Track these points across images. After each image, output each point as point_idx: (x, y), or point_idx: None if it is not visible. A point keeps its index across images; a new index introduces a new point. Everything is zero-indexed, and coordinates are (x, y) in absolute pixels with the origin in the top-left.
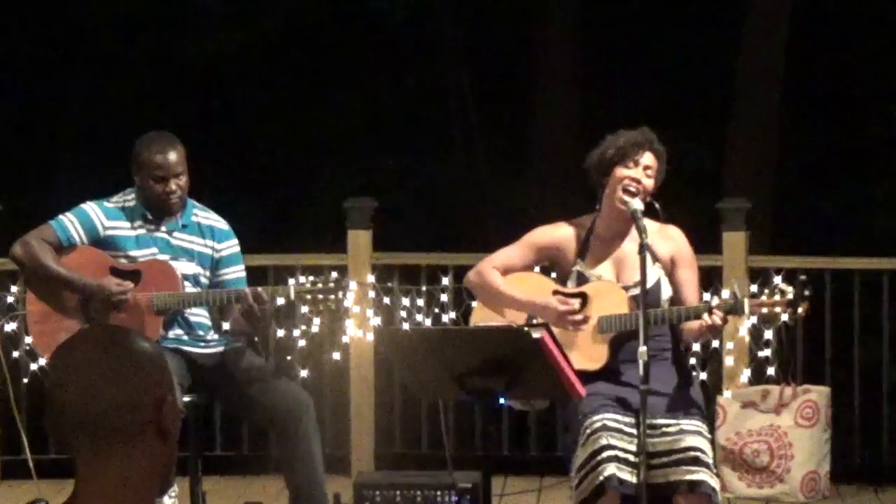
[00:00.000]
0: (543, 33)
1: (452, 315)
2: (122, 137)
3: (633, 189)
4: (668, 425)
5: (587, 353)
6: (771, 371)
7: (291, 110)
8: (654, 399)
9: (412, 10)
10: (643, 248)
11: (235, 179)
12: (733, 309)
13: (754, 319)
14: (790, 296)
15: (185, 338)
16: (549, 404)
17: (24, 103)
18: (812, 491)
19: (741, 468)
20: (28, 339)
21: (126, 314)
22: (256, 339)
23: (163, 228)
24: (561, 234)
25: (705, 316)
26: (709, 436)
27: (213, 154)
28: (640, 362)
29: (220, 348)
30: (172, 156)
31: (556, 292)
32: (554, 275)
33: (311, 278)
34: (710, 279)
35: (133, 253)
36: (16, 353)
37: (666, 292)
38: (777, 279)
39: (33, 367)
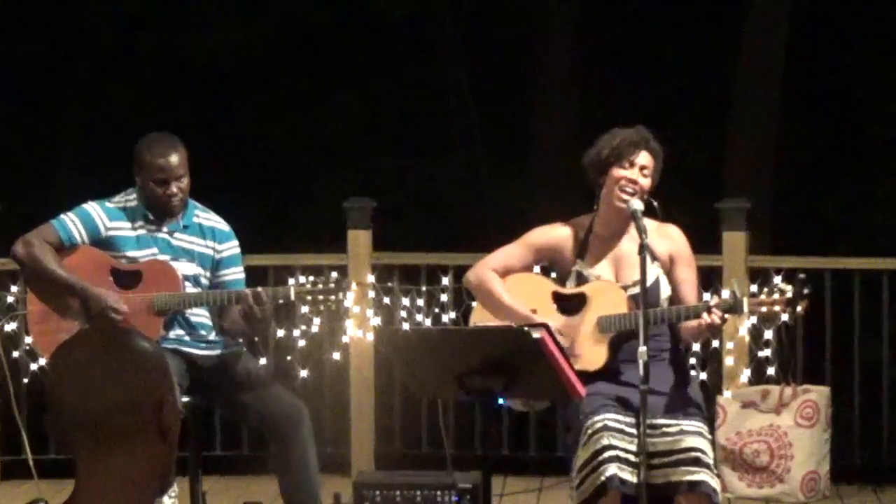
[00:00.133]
0: (543, 33)
1: (452, 315)
2: (121, 137)
3: (629, 190)
4: (668, 425)
5: (587, 354)
6: (771, 371)
7: (291, 110)
8: (654, 399)
9: (411, 10)
10: (643, 247)
11: (234, 179)
12: (732, 308)
13: (754, 319)
14: (789, 294)
15: (186, 338)
16: (549, 404)
17: (24, 103)
18: (812, 491)
19: (741, 468)
20: (28, 339)
21: (126, 314)
22: (256, 339)
23: (164, 229)
24: (559, 234)
25: (704, 315)
26: (709, 436)
27: (212, 153)
28: (640, 362)
29: (221, 350)
30: (174, 158)
31: (555, 293)
32: (554, 275)
33: (311, 278)
34: (709, 279)
35: (134, 253)
36: (16, 353)
37: (665, 291)
38: (777, 279)
39: (33, 366)
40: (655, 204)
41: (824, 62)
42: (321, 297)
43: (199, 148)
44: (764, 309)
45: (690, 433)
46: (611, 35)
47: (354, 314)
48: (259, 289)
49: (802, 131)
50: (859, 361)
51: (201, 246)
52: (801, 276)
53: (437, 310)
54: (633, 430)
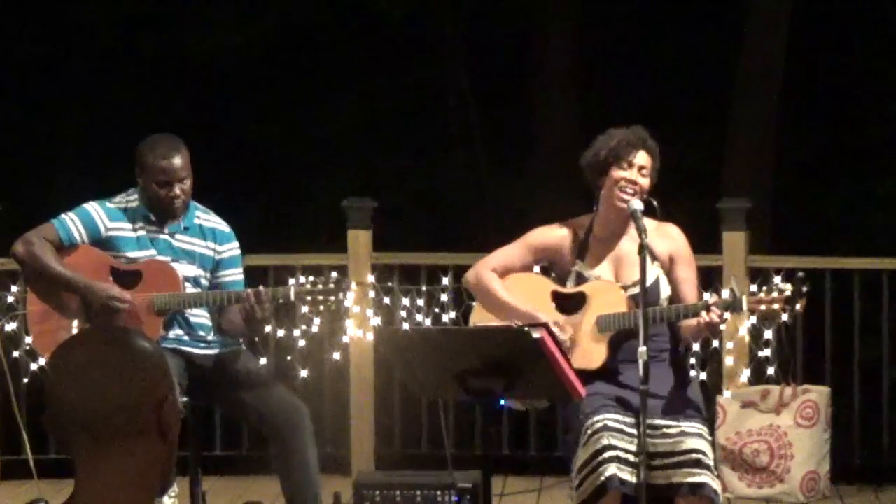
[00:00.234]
0: (543, 33)
1: (452, 315)
2: (121, 137)
3: (629, 191)
4: (668, 427)
5: (586, 353)
6: (771, 371)
7: (290, 110)
8: (654, 400)
9: (411, 10)
10: (643, 247)
11: (234, 179)
12: (731, 306)
13: (754, 319)
14: (788, 293)
15: (186, 338)
16: (549, 404)
17: (24, 103)
18: (812, 491)
19: (741, 468)
20: (28, 339)
21: (126, 314)
22: (256, 339)
23: (165, 230)
24: (559, 234)
25: (703, 313)
26: (709, 438)
27: (212, 153)
28: (640, 362)
29: (219, 349)
30: (177, 160)
31: (555, 292)
32: (553, 275)
33: (311, 278)
34: (709, 279)
35: (133, 254)
36: (16, 353)
37: (665, 291)
38: (777, 279)
39: (33, 366)
40: (655, 203)
41: (824, 62)
42: (321, 298)
43: (198, 148)
44: (763, 307)
45: (691, 435)
46: (611, 35)
47: (354, 314)
48: (260, 288)
49: (802, 131)
50: (859, 361)
51: (202, 247)
52: (801, 274)
53: (437, 310)
54: (633, 431)
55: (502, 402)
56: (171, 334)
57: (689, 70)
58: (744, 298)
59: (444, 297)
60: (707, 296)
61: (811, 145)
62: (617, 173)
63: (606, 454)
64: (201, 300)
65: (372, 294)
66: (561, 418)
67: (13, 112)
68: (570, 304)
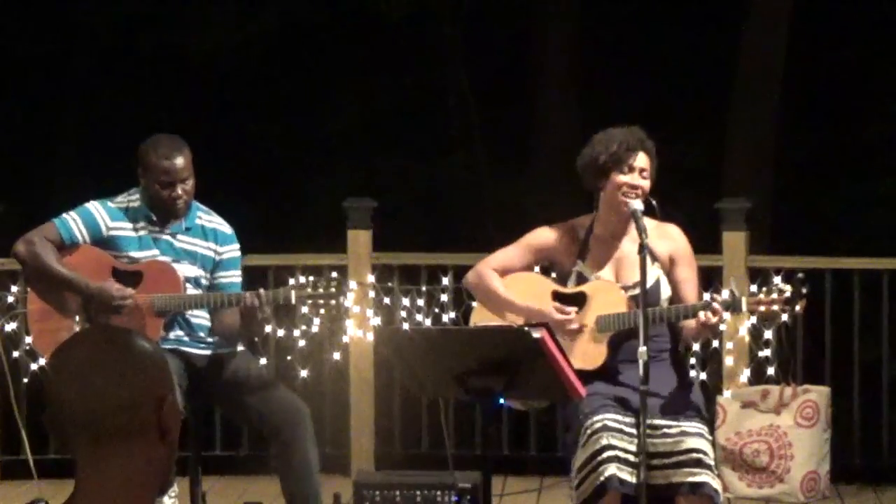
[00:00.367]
0: (543, 33)
1: (452, 315)
2: (121, 137)
3: (632, 196)
4: (668, 426)
5: (586, 353)
6: (771, 371)
7: (290, 110)
8: (654, 400)
9: (411, 10)
10: (643, 248)
11: (234, 179)
12: (731, 306)
13: (754, 319)
14: (788, 294)
15: (186, 339)
16: (549, 404)
17: (24, 103)
18: (812, 491)
19: (741, 468)
20: (28, 339)
21: (126, 315)
22: (256, 339)
23: (167, 231)
24: (559, 235)
25: (703, 314)
26: (710, 437)
27: (212, 153)
28: (640, 362)
29: (216, 349)
30: (179, 161)
31: (555, 292)
32: (554, 275)
33: (311, 279)
34: (709, 279)
35: (135, 254)
36: (16, 353)
37: (665, 292)
38: (777, 279)
39: (33, 366)
40: (654, 203)
41: (824, 62)
42: (321, 301)
43: (198, 148)
44: (762, 308)
45: (691, 434)
46: (610, 35)
47: (354, 314)
48: (260, 290)
49: (802, 131)
50: (859, 361)
51: (203, 248)
52: (800, 275)
53: (437, 310)
54: (633, 431)
55: (501, 401)
56: (172, 335)
57: (688, 70)
58: (743, 299)
59: (444, 298)
60: (707, 296)
61: (811, 145)
62: (618, 178)
63: (606, 454)
64: (202, 302)
65: (372, 294)
66: (561, 418)
67: (13, 112)
68: (570, 303)
